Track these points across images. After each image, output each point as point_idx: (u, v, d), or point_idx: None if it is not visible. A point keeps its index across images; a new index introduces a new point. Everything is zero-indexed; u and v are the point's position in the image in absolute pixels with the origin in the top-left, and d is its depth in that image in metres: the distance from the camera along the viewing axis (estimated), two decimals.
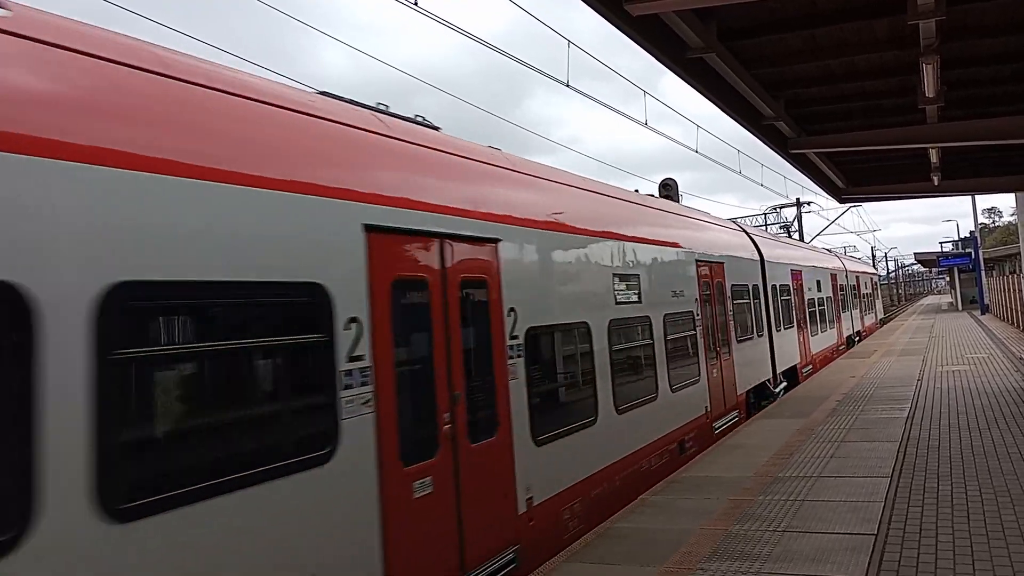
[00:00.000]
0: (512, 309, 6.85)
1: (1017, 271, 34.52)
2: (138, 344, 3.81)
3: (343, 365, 4.91)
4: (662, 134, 18.43)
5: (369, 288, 5.17)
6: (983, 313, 45.31)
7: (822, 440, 10.33)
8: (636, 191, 12.33)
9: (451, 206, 6.24)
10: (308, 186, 4.86)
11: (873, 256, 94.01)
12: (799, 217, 48.76)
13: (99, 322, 3.56)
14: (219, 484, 4.01)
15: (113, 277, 3.65)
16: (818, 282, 23.55)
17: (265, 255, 4.47)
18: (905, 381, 16.05)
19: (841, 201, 19.84)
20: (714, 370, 12.44)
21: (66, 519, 3.34)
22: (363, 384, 5.04)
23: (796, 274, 20.23)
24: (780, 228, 48.62)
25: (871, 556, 5.78)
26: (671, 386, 10.45)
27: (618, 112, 15.22)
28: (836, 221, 59.91)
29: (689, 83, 8.68)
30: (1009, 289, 33.84)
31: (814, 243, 41.03)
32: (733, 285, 14.10)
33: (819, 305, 23.29)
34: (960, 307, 56.67)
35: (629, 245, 9.68)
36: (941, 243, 79.20)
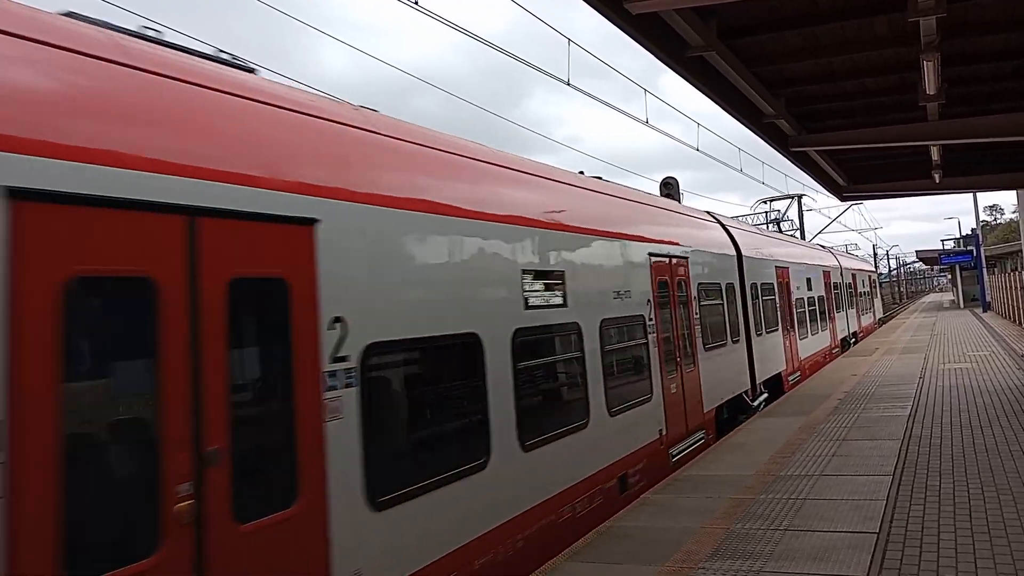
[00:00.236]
0: (338, 319, 5.02)
1: (1019, 268, 34.50)
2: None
3: None
4: (663, 132, 18.39)
5: (8, 290, 3.34)
6: (985, 311, 45.26)
7: (824, 438, 10.32)
8: (581, 173, 10.56)
9: (218, 169, 4.38)
10: None
11: (875, 254, 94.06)
12: (800, 215, 48.65)
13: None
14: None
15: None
16: (808, 280, 22.23)
17: None
18: (907, 379, 16.03)
19: (842, 199, 19.72)
20: (672, 385, 10.52)
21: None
22: None
23: (782, 271, 18.85)
24: (772, 222, 47.98)
25: (873, 554, 5.77)
26: (609, 409, 8.61)
27: (618, 110, 15.24)
28: (838, 219, 59.80)
29: (689, 81, 8.69)
30: (1011, 286, 33.82)
31: (815, 241, 40.79)
32: (701, 284, 12.32)
33: (809, 305, 21.89)
34: (962, 305, 56.61)
35: (551, 234, 7.89)
36: (943, 241, 79.04)
